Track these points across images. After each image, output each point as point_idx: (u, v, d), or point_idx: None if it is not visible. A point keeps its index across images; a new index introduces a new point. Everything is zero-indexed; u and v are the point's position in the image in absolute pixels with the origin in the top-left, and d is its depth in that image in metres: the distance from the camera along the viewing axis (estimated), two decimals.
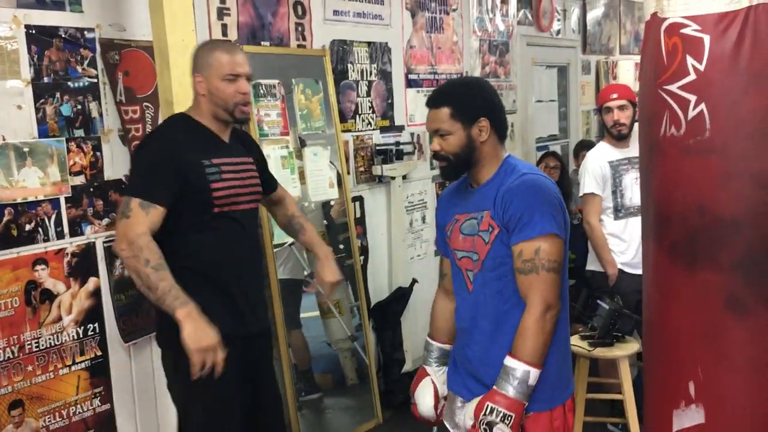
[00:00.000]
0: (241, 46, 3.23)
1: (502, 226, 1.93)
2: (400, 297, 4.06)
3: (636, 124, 3.32)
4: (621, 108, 3.52)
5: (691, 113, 1.65)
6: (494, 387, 1.89)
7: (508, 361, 1.88)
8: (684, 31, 1.66)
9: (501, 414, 1.83)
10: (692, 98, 1.64)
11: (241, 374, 2.26)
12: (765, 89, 1.58)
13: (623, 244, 3.50)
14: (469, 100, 2.00)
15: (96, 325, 2.73)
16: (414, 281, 4.16)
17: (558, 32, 6.02)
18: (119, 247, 2.10)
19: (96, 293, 2.73)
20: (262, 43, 3.40)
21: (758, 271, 1.62)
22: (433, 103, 2.02)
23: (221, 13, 3.21)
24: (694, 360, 1.70)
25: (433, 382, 2.18)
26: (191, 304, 2.02)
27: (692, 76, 1.64)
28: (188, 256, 2.19)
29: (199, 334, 1.99)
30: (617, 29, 6.96)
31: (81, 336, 2.69)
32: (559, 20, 6.00)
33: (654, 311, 1.82)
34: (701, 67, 1.63)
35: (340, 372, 3.79)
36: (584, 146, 4.82)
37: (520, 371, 1.86)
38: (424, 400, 2.17)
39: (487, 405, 1.85)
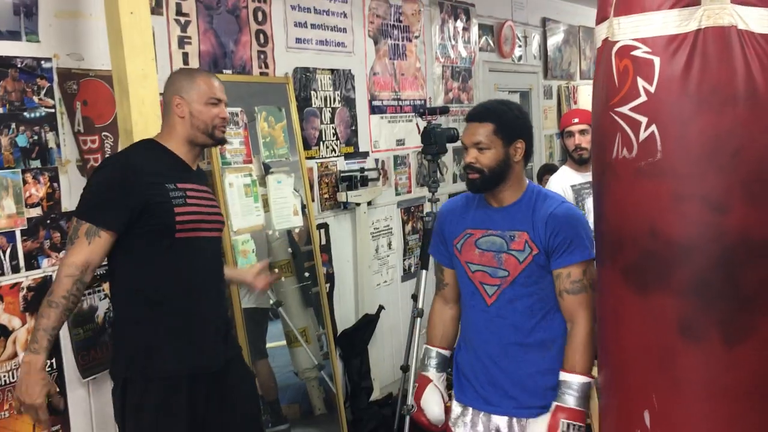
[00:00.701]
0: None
1: (543, 249, 2.07)
2: (367, 324, 4.03)
3: None
4: (582, 132, 3.57)
5: (643, 135, 1.66)
6: (557, 403, 2.01)
7: (567, 376, 2.02)
8: (634, 53, 1.67)
9: (577, 427, 1.97)
10: (643, 120, 1.65)
11: (199, 410, 2.22)
12: (714, 111, 1.59)
13: None
14: (512, 121, 2.13)
15: (53, 360, 2.66)
16: (381, 308, 4.14)
17: (519, 58, 6.11)
18: None
19: None
20: (224, 71, 3.39)
21: (710, 295, 1.60)
22: (477, 117, 2.15)
23: (182, 41, 3.20)
24: (648, 387, 1.67)
25: (437, 387, 2.27)
26: (41, 356, 2.01)
27: (643, 98, 1.65)
28: (147, 284, 2.16)
29: (24, 388, 2.01)
30: (577, 55, 7.10)
31: None
32: (520, 46, 6.09)
33: (608, 336, 1.80)
34: (652, 89, 1.64)
35: (308, 402, 3.74)
36: (547, 170, 4.88)
37: (580, 383, 2.01)
38: (433, 406, 2.25)
39: (562, 422, 1.97)
